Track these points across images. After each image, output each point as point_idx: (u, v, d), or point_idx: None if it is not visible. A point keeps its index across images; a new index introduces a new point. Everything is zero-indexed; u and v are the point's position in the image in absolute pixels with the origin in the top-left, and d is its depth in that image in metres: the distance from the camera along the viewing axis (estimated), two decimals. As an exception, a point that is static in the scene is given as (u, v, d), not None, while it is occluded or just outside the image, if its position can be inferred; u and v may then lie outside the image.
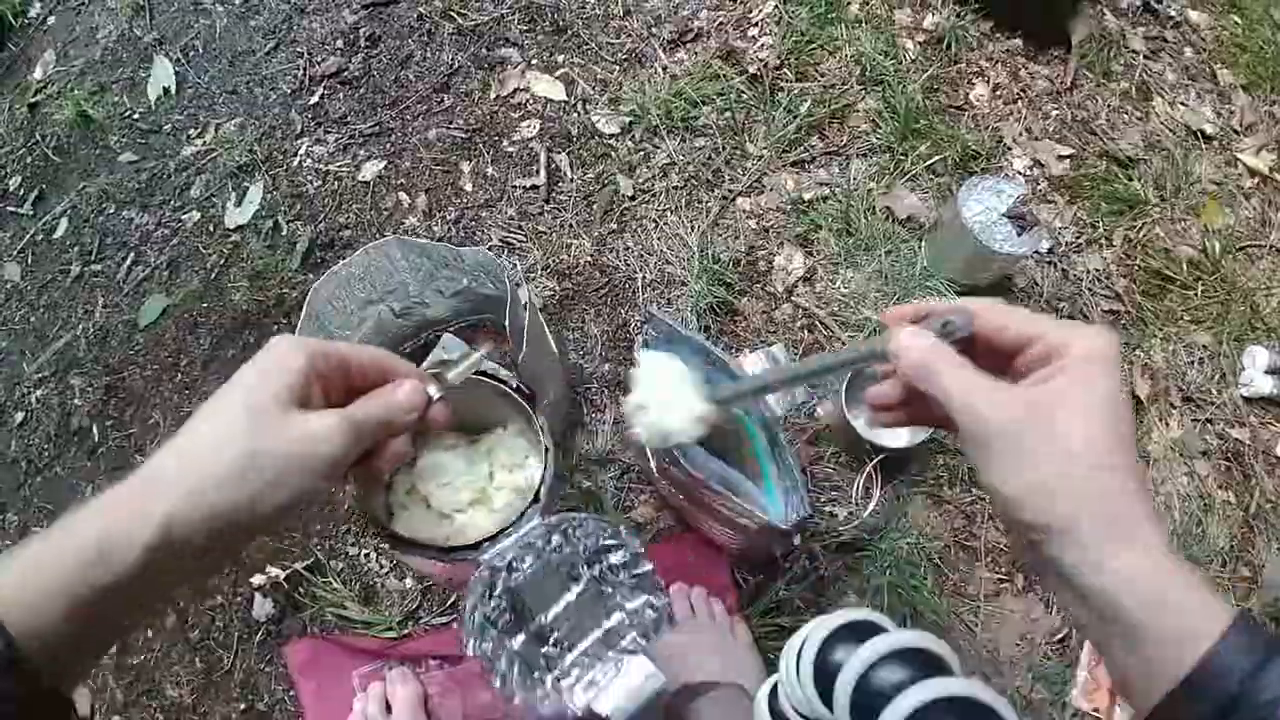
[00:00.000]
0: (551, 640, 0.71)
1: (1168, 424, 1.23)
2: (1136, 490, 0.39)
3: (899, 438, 1.19)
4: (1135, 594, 0.37)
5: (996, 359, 0.45)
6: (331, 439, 0.45)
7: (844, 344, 1.23)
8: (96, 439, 1.33)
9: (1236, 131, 1.43)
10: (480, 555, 0.69)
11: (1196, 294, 1.30)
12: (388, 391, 0.51)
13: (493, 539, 0.70)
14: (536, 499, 0.72)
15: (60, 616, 0.38)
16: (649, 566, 0.69)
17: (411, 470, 0.80)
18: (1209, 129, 1.42)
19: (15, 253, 1.51)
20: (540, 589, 0.69)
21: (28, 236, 1.52)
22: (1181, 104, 1.44)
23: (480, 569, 0.68)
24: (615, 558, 0.69)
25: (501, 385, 0.78)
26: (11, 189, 1.57)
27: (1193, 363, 1.27)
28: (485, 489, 0.80)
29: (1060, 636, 1.11)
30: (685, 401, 0.62)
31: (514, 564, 0.68)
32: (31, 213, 1.54)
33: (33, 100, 1.63)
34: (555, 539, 0.68)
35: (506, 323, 1.00)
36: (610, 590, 0.70)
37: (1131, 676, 0.38)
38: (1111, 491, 0.38)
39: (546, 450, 0.76)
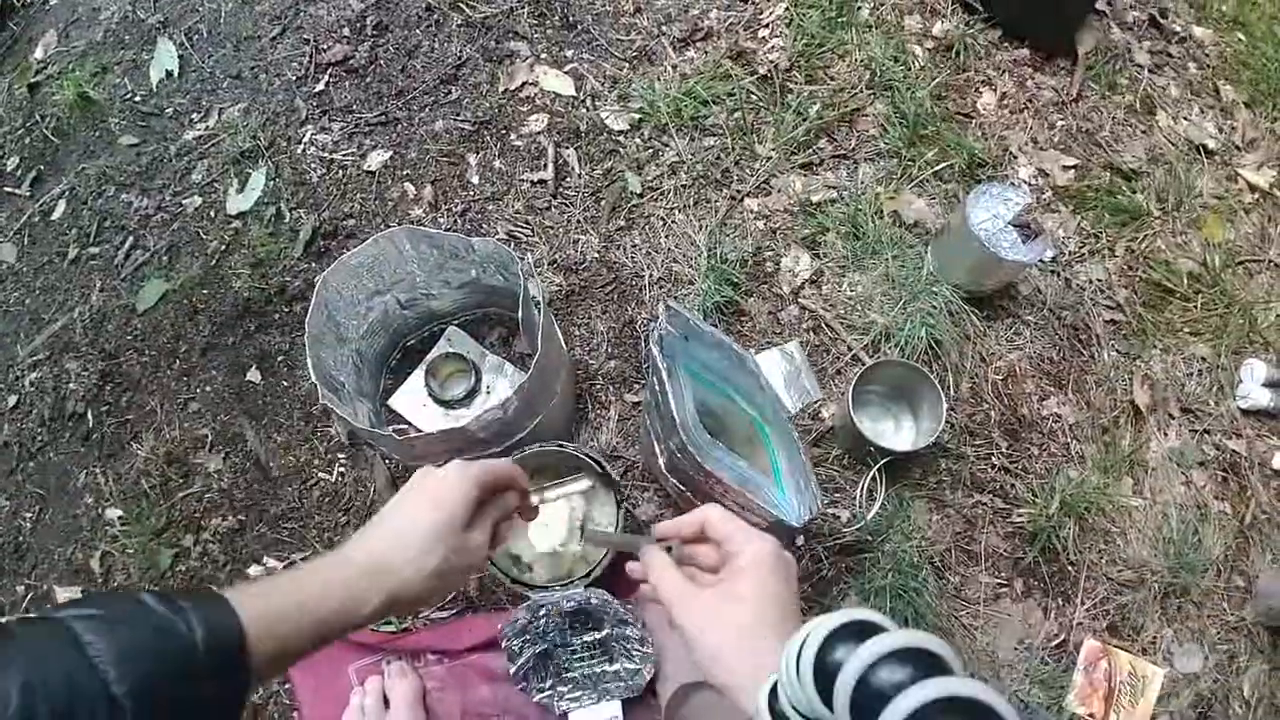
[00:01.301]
0: (564, 660, 1.00)
1: (1166, 434, 1.25)
2: (774, 646, 0.53)
3: (903, 441, 1.19)
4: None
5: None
6: (483, 551, 0.65)
7: (849, 347, 1.24)
8: (91, 424, 1.31)
9: (1238, 147, 1.45)
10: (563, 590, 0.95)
11: (1196, 306, 1.32)
12: (512, 512, 0.69)
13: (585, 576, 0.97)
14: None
15: (282, 646, 0.51)
16: (651, 649, 0.96)
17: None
18: (1211, 144, 1.43)
19: (12, 234, 1.49)
20: (572, 622, 0.97)
21: (25, 217, 1.49)
22: (1184, 118, 1.46)
23: (546, 592, 0.92)
24: (630, 631, 0.95)
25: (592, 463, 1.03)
26: (9, 169, 1.55)
27: (1191, 374, 1.28)
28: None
29: (1058, 642, 1.12)
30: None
31: (566, 599, 0.92)
32: (29, 193, 1.52)
33: (33, 80, 1.61)
34: (595, 599, 0.93)
35: (520, 316, 1.00)
36: (618, 648, 0.98)
37: None
38: (764, 652, 0.54)
39: (616, 528, 1.01)
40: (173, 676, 0.44)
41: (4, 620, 0.46)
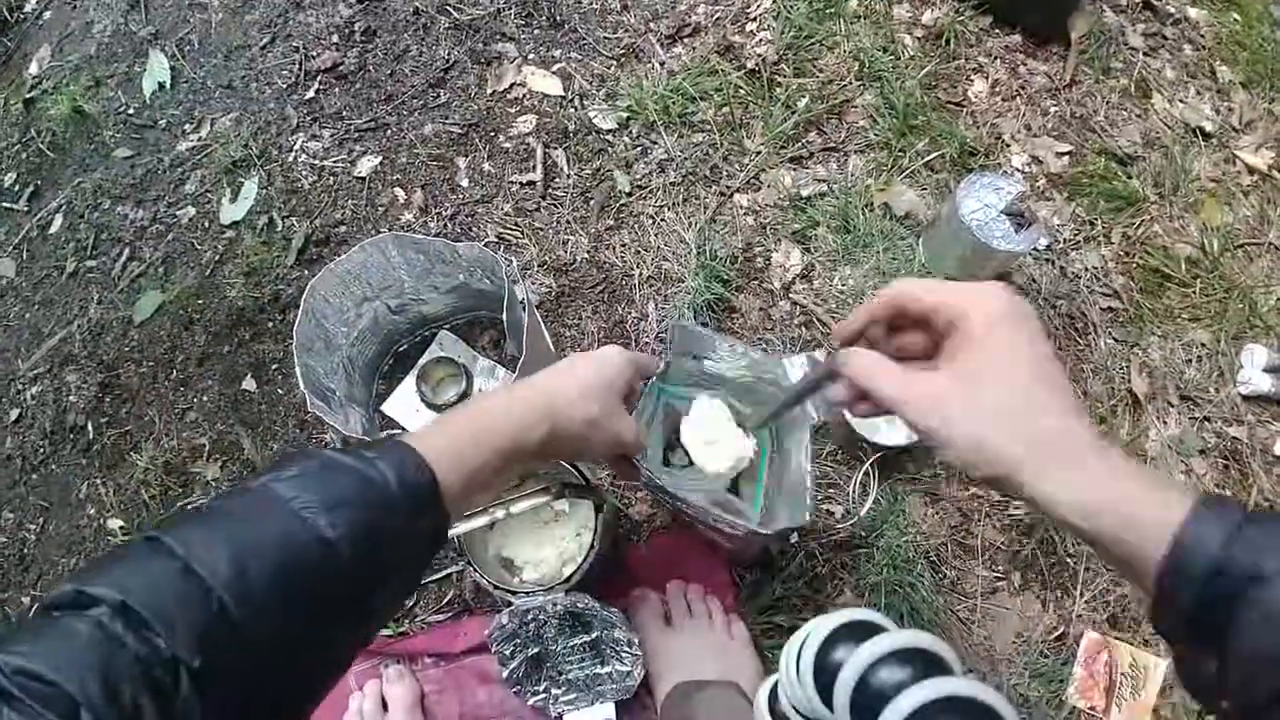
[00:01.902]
0: (556, 663, 0.99)
1: (1165, 422, 1.23)
2: (1067, 425, 0.45)
3: (897, 435, 1.19)
4: (1090, 512, 0.42)
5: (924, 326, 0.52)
6: (629, 434, 0.71)
7: (841, 341, 1.23)
8: (92, 436, 1.32)
9: (1235, 129, 1.43)
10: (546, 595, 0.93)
11: (1195, 292, 1.30)
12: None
13: (565, 581, 0.95)
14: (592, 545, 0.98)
15: (469, 478, 0.55)
16: (640, 653, 0.96)
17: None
18: (1208, 126, 1.41)
19: (10, 249, 1.51)
20: (562, 625, 0.96)
21: (23, 232, 1.51)
22: (1180, 101, 1.44)
23: (529, 597, 0.91)
24: (618, 633, 0.95)
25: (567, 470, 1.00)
26: (6, 185, 1.57)
27: (1191, 360, 1.26)
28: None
29: (1057, 634, 1.11)
30: (729, 441, 0.80)
31: (552, 604, 0.91)
32: (27, 208, 1.54)
33: (28, 96, 1.62)
34: (581, 603, 0.92)
35: (504, 318, 1.00)
36: (608, 650, 0.98)
37: (1130, 578, 0.43)
38: (1043, 432, 0.44)
39: (595, 533, 0.97)
40: (375, 517, 0.48)
41: (207, 503, 0.48)
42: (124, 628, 0.39)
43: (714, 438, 0.92)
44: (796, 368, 1.15)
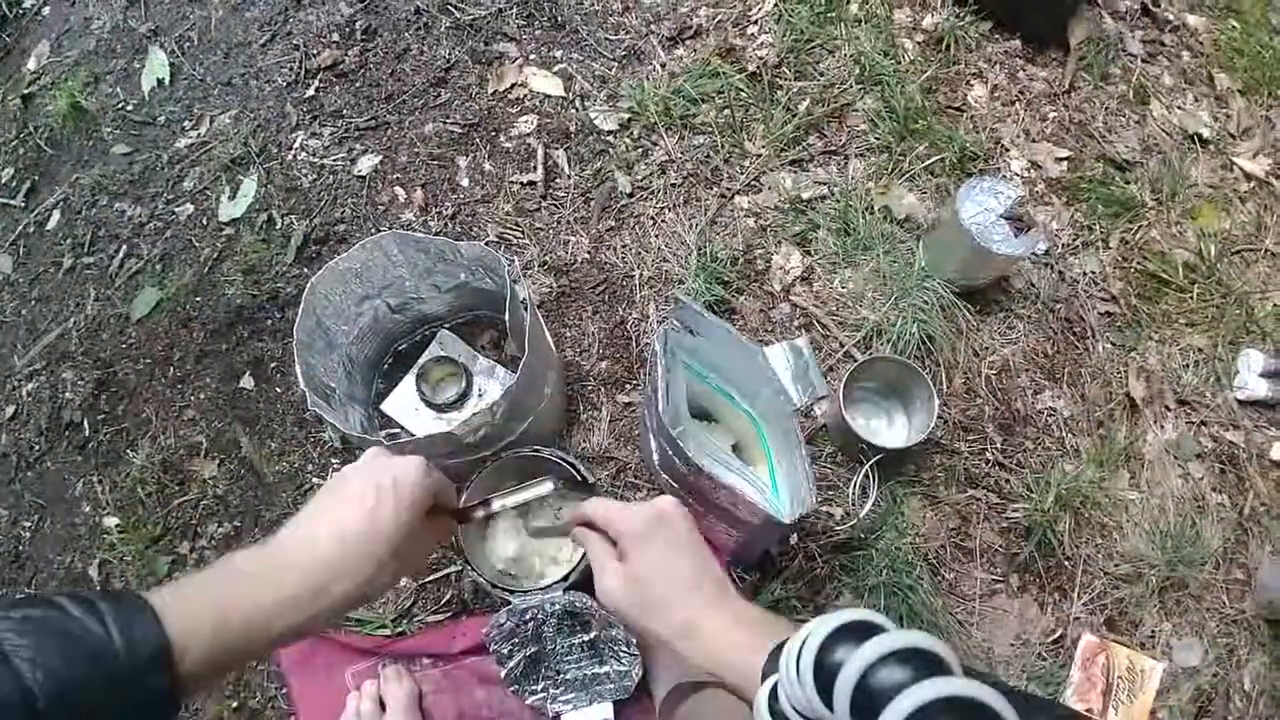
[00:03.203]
0: (554, 662, 1.00)
1: (1162, 426, 1.24)
2: (695, 602, 0.61)
3: (896, 437, 1.19)
4: (705, 659, 0.59)
5: None
6: (424, 560, 0.76)
7: (841, 344, 1.23)
8: (88, 433, 1.31)
9: (1233, 135, 1.44)
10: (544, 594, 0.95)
11: (1192, 297, 1.31)
12: (449, 523, 0.70)
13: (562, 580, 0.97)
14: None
15: (220, 651, 0.49)
16: (637, 650, 0.97)
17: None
18: (1206, 133, 1.42)
19: (7, 244, 1.50)
20: (561, 624, 0.97)
21: (20, 228, 1.50)
22: (1179, 107, 1.45)
23: (527, 595, 0.93)
24: (616, 633, 0.96)
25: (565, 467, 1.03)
26: (4, 180, 1.56)
27: (1188, 365, 1.27)
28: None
29: (1055, 637, 1.11)
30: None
31: (551, 603, 0.92)
32: (24, 204, 1.53)
33: (26, 91, 1.62)
34: (579, 603, 0.93)
35: (507, 318, 1.00)
36: (607, 649, 0.99)
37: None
38: (682, 606, 0.60)
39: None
40: (93, 681, 0.44)
41: None
42: None
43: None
44: (777, 354, 1.16)
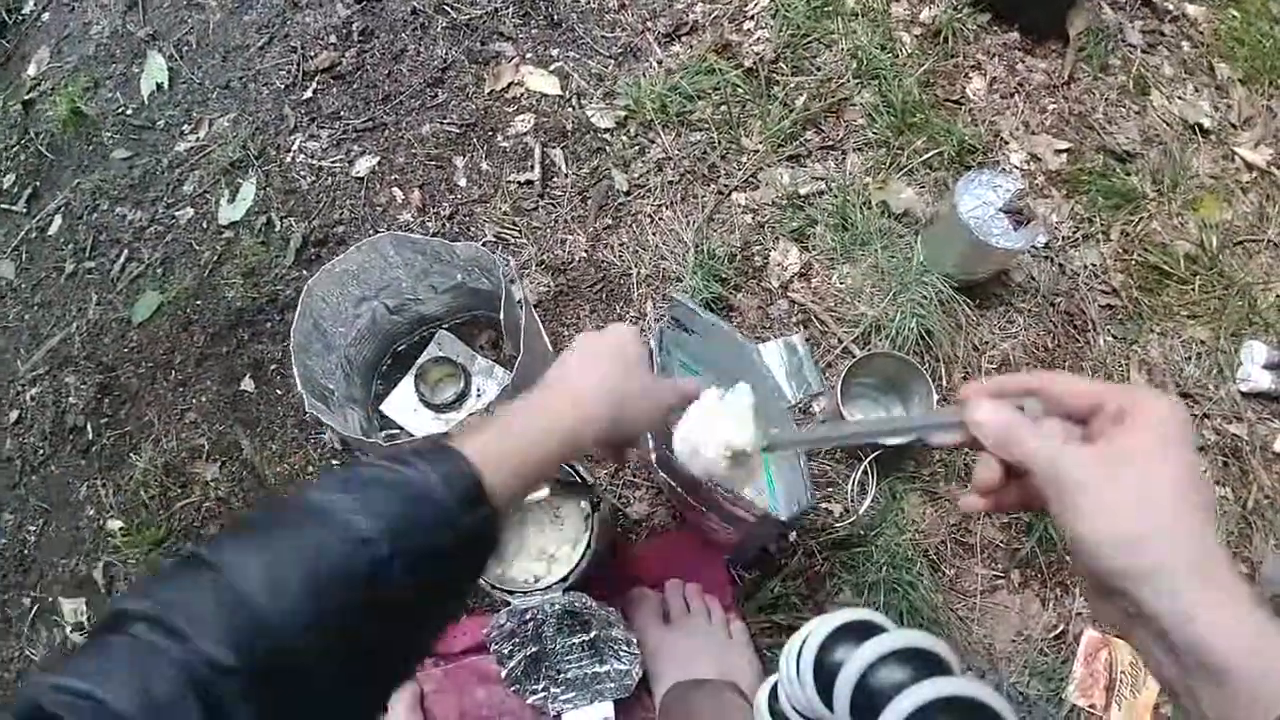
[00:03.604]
0: (554, 662, 0.99)
1: (1165, 419, 1.23)
2: (1216, 541, 0.41)
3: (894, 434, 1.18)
4: (1227, 642, 0.37)
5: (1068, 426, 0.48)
6: (666, 398, 0.74)
7: (839, 340, 1.23)
8: (91, 437, 1.32)
9: (1234, 125, 1.42)
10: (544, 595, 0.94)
11: (1194, 289, 1.30)
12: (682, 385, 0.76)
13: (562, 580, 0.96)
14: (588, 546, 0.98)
15: (520, 478, 0.56)
16: (638, 652, 0.96)
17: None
18: (1206, 123, 1.41)
19: (9, 250, 1.51)
20: (560, 624, 0.96)
21: (22, 234, 1.51)
22: (1179, 98, 1.44)
23: (526, 597, 0.92)
24: (616, 632, 0.95)
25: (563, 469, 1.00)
26: (5, 186, 1.57)
27: (1190, 358, 1.26)
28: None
29: (1057, 633, 1.11)
30: (726, 435, 0.71)
31: (551, 603, 0.91)
32: (25, 210, 1.54)
33: (27, 97, 1.62)
34: (578, 603, 0.92)
35: (501, 318, 1.00)
36: (607, 649, 0.98)
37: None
38: (1197, 540, 0.40)
39: (592, 532, 0.98)
40: (416, 513, 0.48)
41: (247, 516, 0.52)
42: (161, 636, 0.39)
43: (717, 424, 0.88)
44: (771, 353, 1.16)
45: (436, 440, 0.55)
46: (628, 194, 1.34)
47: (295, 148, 1.44)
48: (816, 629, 0.67)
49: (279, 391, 1.28)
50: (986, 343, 1.25)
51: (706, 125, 1.37)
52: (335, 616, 0.43)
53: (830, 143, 1.37)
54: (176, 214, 1.44)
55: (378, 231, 1.32)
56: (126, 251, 1.44)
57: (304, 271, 1.34)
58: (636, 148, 1.37)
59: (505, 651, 0.96)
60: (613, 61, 1.45)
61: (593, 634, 0.97)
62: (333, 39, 1.52)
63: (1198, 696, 0.39)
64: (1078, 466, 0.43)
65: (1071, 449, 0.44)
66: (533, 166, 1.37)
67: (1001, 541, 1.15)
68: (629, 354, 0.70)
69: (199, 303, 1.36)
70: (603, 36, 1.47)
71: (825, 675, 0.63)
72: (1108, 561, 0.41)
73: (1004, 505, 0.50)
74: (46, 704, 0.36)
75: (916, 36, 1.45)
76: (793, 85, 1.40)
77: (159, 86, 1.56)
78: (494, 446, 0.55)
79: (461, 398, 1.20)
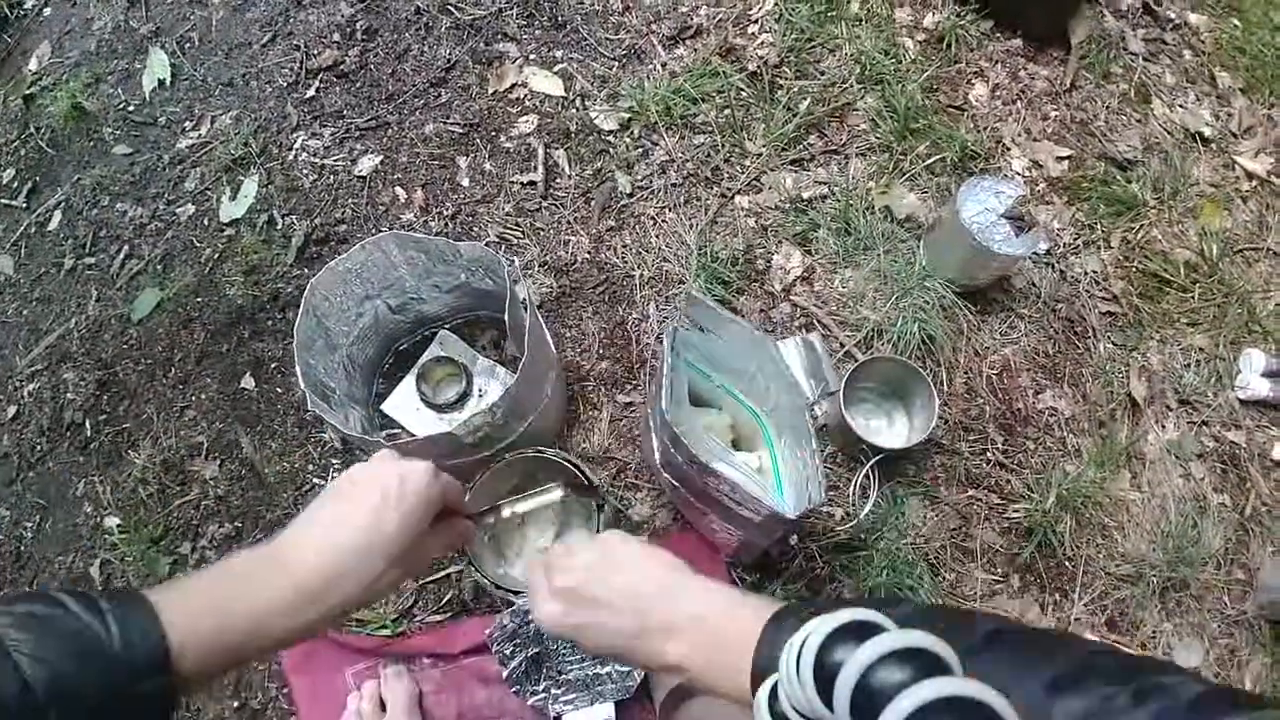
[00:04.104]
0: (556, 663, 0.99)
1: (1164, 426, 1.24)
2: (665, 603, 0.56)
3: (896, 437, 1.19)
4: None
5: None
6: (426, 563, 0.69)
7: (841, 344, 1.23)
8: (89, 433, 1.32)
9: (1235, 134, 1.43)
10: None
11: (1193, 296, 1.30)
12: (461, 526, 0.66)
13: None
14: None
15: (220, 655, 0.49)
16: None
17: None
18: (1207, 131, 1.42)
19: (9, 245, 1.50)
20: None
21: (21, 229, 1.50)
22: (1180, 106, 1.44)
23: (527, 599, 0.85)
24: None
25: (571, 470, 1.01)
26: (5, 181, 1.56)
27: (1189, 365, 1.27)
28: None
29: (1055, 638, 1.11)
30: None
31: None
32: (25, 205, 1.53)
33: (28, 92, 1.62)
34: None
35: (506, 319, 1.00)
36: None
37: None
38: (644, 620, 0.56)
39: (596, 534, 0.98)
40: (91, 677, 0.44)
41: None
42: None
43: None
44: (790, 349, 1.16)
45: (132, 591, 0.49)
46: (631, 196, 1.34)
47: (297, 146, 1.44)
48: (816, 629, 0.67)
49: (279, 390, 1.28)
50: (988, 348, 1.25)
51: (710, 128, 1.37)
52: None
53: (833, 147, 1.37)
54: (177, 211, 1.44)
55: (380, 230, 1.32)
56: (127, 248, 1.43)
57: (305, 270, 1.34)
58: (640, 150, 1.37)
59: (507, 652, 0.95)
60: (616, 63, 1.45)
61: None
62: (336, 37, 1.52)
63: (715, 686, 0.53)
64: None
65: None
66: (536, 167, 1.37)
67: (1001, 546, 1.15)
68: (387, 520, 0.56)
69: (199, 300, 1.36)
70: (607, 38, 1.47)
71: (825, 675, 0.63)
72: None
73: None
74: None
75: (920, 42, 1.45)
76: (796, 89, 1.40)
77: (161, 83, 1.55)
78: (200, 606, 0.50)
79: (463, 398, 1.20)
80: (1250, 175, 1.40)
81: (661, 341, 1.21)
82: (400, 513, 0.56)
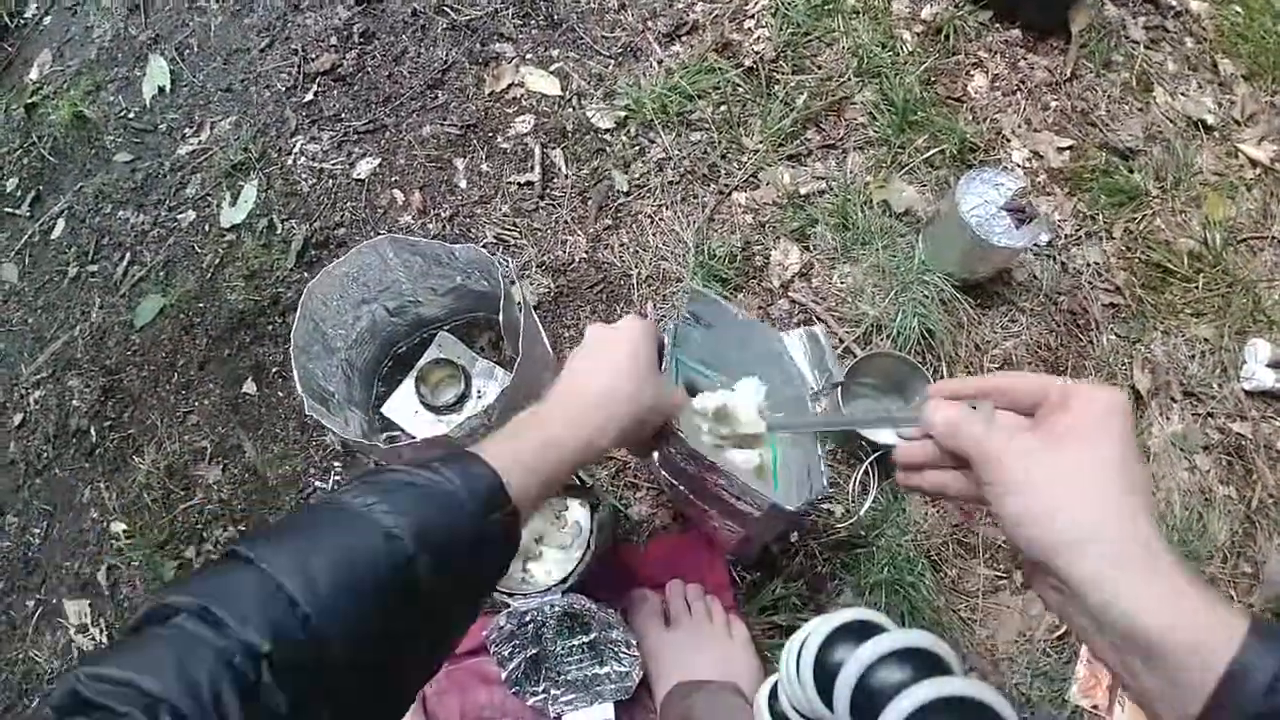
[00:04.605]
0: (555, 663, 1.00)
1: (1168, 418, 1.22)
2: (1147, 519, 0.42)
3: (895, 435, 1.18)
4: (1151, 616, 0.39)
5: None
6: (677, 400, 0.79)
7: (840, 340, 1.23)
8: (95, 440, 1.33)
9: (1238, 122, 1.42)
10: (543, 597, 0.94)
11: (1197, 286, 1.29)
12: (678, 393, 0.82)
13: (561, 582, 0.96)
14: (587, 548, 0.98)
15: (540, 483, 0.60)
16: (638, 654, 0.96)
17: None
18: (1210, 119, 1.40)
19: (13, 254, 1.51)
20: (560, 626, 0.97)
21: (25, 237, 1.52)
22: (1182, 94, 1.43)
23: (526, 599, 0.92)
24: (615, 634, 0.95)
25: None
26: (8, 190, 1.57)
27: (1194, 356, 1.26)
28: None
29: (1059, 633, 1.10)
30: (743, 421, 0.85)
31: (550, 605, 0.91)
32: (29, 213, 1.54)
33: (29, 101, 1.63)
34: (577, 605, 0.92)
35: (500, 320, 1.00)
36: (607, 650, 0.99)
37: (1154, 694, 0.40)
38: (1126, 520, 0.42)
39: (592, 534, 0.98)
40: (440, 514, 0.51)
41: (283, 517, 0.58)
42: (202, 626, 0.41)
43: (727, 415, 0.94)
44: (794, 341, 1.16)
45: (460, 447, 0.58)
46: (628, 194, 1.34)
47: (296, 150, 1.44)
48: (817, 629, 0.67)
49: (281, 394, 1.29)
50: (988, 342, 1.24)
51: (707, 125, 1.37)
52: (365, 609, 0.46)
53: (831, 141, 1.37)
54: (178, 217, 1.45)
55: (379, 233, 1.32)
56: (129, 255, 1.44)
57: (305, 274, 1.34)
58: (637, 148, 1.37)
59: (505, 653, 0.96)
60: (613, 62, 1.45)
61: (593, 635, 0.97)
62: (333, 41, 1.53)
63: (1134, 672, 0.40)
64: (1007, 447, 0.46)
65: (1003, 433, 0.47)
66: (533, 167, 1.36)
67: (1004, 542, 1.14)
68: (640, 354, 0.71)
69: (201, 305, 1.37)
70: (603, 36, 1.47)
71: (825, 675, 0.63)
72: (1028, 531, 0.43)
73: (950, 493, 0.53)
74: (84, 692, 0.37)
75: (917, 34, 1.44)
76: (793, 84, 1.39)
77: (161, 90, 1.56)
78: (512, 453, 0.58)
79: (462, 399, 1.20)
80: (1254, 163, 1.39)
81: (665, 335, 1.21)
82: (645, 346, 0.71)
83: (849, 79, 1.40)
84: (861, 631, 0.64)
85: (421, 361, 1.22)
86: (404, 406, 1.21)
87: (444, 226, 1.35)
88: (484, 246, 1.28)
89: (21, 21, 1.74)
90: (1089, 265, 1.30)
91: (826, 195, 1.32)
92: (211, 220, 1.43)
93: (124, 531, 1.26)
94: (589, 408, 0.66)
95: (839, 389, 1.10)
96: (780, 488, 1.06)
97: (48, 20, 1.73)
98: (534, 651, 0.98)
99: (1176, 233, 1.32)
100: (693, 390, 0.98)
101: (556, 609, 0.92)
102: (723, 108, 1.38)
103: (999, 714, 0.53)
